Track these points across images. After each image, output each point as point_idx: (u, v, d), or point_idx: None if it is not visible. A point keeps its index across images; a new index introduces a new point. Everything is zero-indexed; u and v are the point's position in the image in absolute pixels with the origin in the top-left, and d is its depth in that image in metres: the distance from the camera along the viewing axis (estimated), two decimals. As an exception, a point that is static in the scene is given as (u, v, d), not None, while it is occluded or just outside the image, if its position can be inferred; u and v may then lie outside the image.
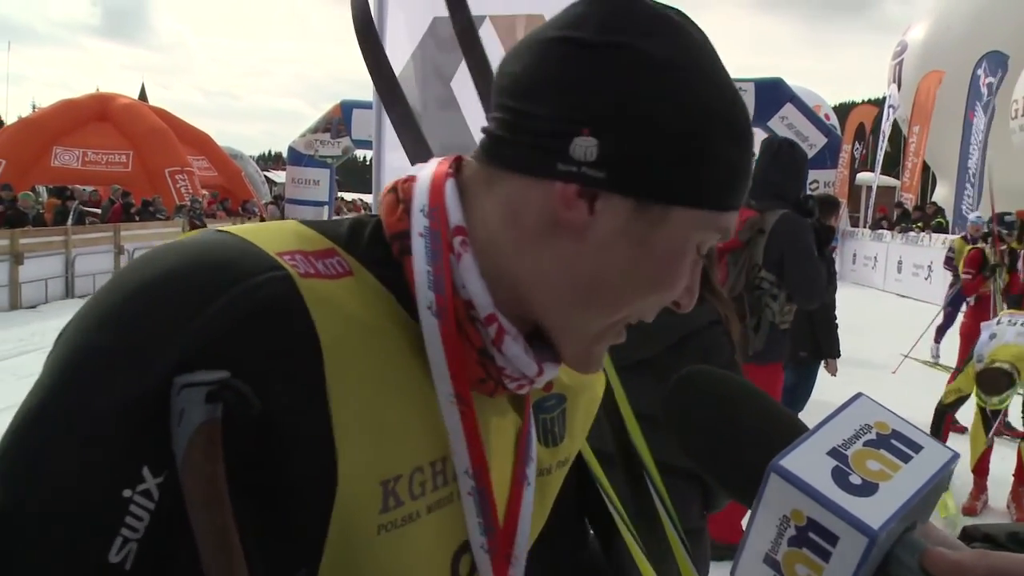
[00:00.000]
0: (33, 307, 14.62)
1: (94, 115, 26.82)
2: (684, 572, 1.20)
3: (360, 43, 1.26)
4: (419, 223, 0.85)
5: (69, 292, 15.97)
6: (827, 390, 6.27)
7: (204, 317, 0.71)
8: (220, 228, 0.82)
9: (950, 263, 11.43)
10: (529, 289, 0.85)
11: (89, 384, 0.69)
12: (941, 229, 20.77)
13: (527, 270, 0.84)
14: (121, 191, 21.64)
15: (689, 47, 0.82)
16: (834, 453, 0.68)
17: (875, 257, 22.61)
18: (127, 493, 0.68)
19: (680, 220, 0.81)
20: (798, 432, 0.72)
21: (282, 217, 23.32)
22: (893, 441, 0.71)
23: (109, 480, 0.68)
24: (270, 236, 0.80)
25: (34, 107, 47.89)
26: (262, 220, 24.28)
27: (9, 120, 40.34)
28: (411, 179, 0.90)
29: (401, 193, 0.89)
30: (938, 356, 11.67)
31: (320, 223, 0.88)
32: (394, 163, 4.29)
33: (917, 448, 0.71)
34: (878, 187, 27.15)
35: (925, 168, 26.27)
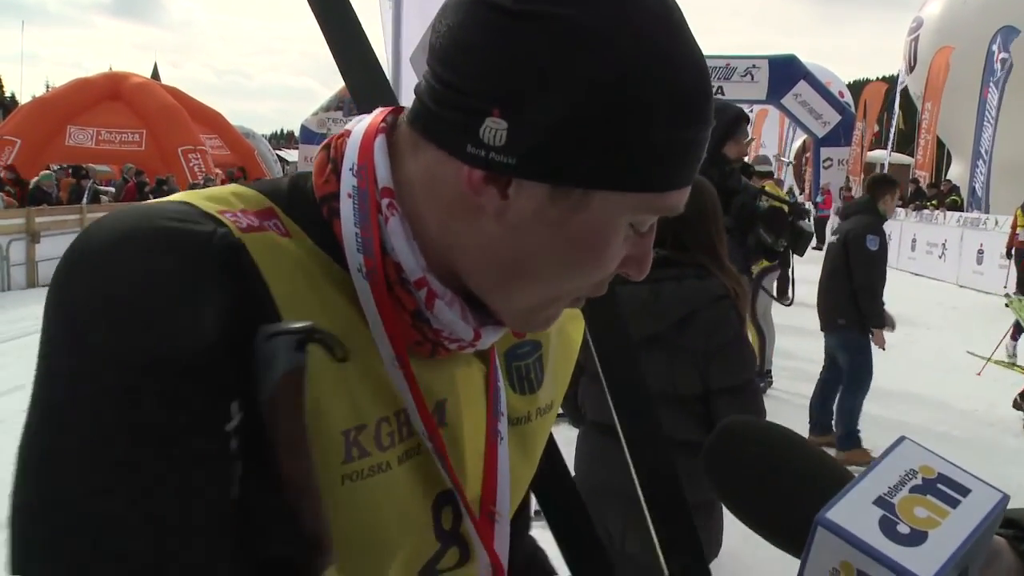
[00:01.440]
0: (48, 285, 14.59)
1: (107, 94, 26.78)
2: None
3: None
4: (348, 182, 0.82)
5: (84, 270, 15.91)
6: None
7: (215, 259, 0.72)
8: (165, 199, 0.80)
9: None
10: (455, 260, 0.83)
11: (163, 328, 0.68)
12: (956, 207, 20.60)
13: (450, 242, 0.82)
14: (134, 170, 21.63)
15: (631, 15, 0.73)
16: (880, 502, 0.67)
17: (889, 235, 22.23)
18: (228, 427, 0.68)
19: (604, 204, 0.76)
20: (844, 481, 0.71)
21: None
22: (940, 486, 0.70)
23: (212, 414, 0.68)
24: (209, 199, 0.79)
25: (48, 87, 47.93)
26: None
27: (24, 100, 40.34)
28: (345, 134, 0.87)
29: (333, 151, 0.86)
30: (1015, 356, 9.82)
31: (261, 182, 0.88)
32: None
33: (965, 492, 0.70)
34: (893, 165, 26.92)
35: (940, 146, 26.05)
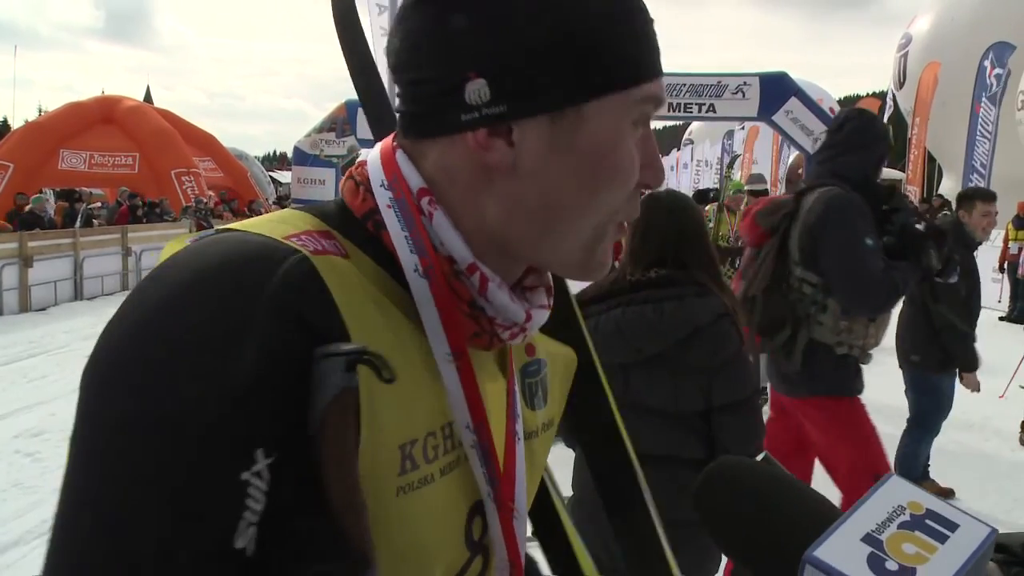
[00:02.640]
0: (43, 309, 14.62)
1: (100, 118, 26.78)
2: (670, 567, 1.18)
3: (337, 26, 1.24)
4: (383, 197, 0.88)
5: (78, 294, 15.97)
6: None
7: (267, 299, 0.72)
8: (222, 227, 0.83)
9: None
10: (501, 234, 0.88)
11: (188, 383, 0.68)
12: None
13: (489, 219, 0.87)
14: (128, 193, 21.67)
15: None
16: (868, 539, 0.68)
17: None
18: (245, 476, 0.68)
19: (598, 112, 0.83)
20: (832, 519, 0.71)
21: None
22: (928, 521, 0.70)
23: (228, 465, 0.68)
24: (281, 225, 0.82)
25: (40, 111, 47.96)
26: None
27: (16, 124, 40.39)
28: (362, 163, 0.93)
29: (358, 177, 0.92)
30: None
31: (312, 208, 0.90)
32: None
33: (953, 527, 0.70)
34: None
35: (931, 160, 26.16)
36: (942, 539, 0.68)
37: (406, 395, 0.82)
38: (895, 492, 0.73)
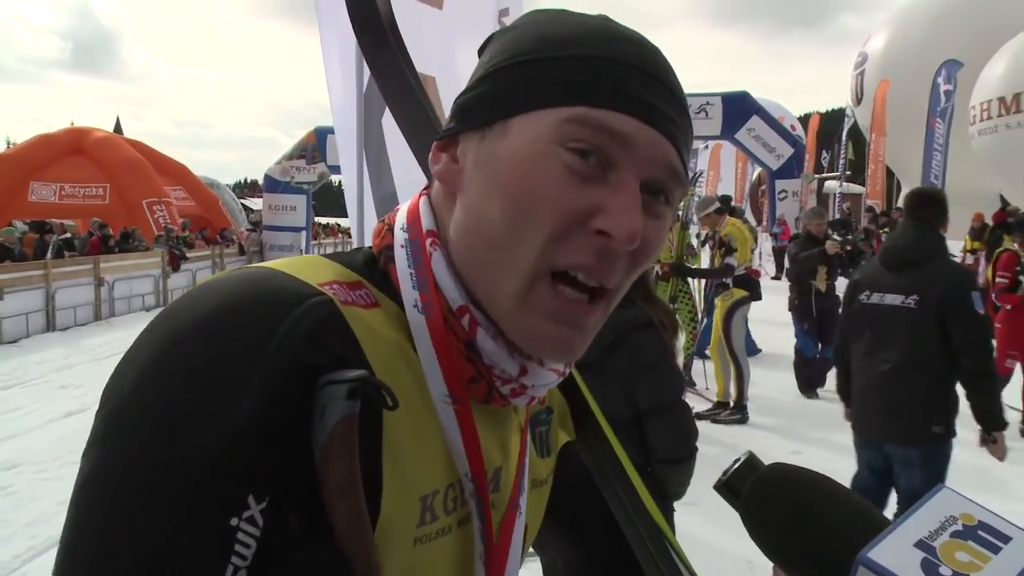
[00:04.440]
0: (14, 342, 14.42)
1: (70, 149, 26.61)
2: None
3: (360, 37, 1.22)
4: (400, 237, 0.89)
5: (50, 326, 15.78)
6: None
7: (276, 344, 0.71)
8: (256, 265, 0.82)
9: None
10: (467, 271, 0.85)
11: (184, 428, 0.68)
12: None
13: (458, 252, 0.86)
14: (99, 223, 21.53)
15: (534, 20, 0.87)
16: (921, 545, 0.67)
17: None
18: (234, 522, 0.67)
19: (520, 127, 0.81)
20: (882, 525, 0.71)
21: (260, 244, 23.31)
22: (981, 532, 0.69)
23: (216, 511, 0.67)
24: (307, 269, 0.81)
25: (8, 143, 47.48)
26: (240, 247, 24.28)
27: (-16, 157, 39.93)
28: (396, 208, 0.95)
29: (388, 220, 0.94)
30: None
31: (339, 256, 0.90)
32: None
33: (1006, 539, 0.69)
34: (848, 194, 27.26)
35: (890, 174, 26.47)
36: (995, 550, 0.67)
37: (430, 445, 0.82)
38: (947, 503, 0.72)
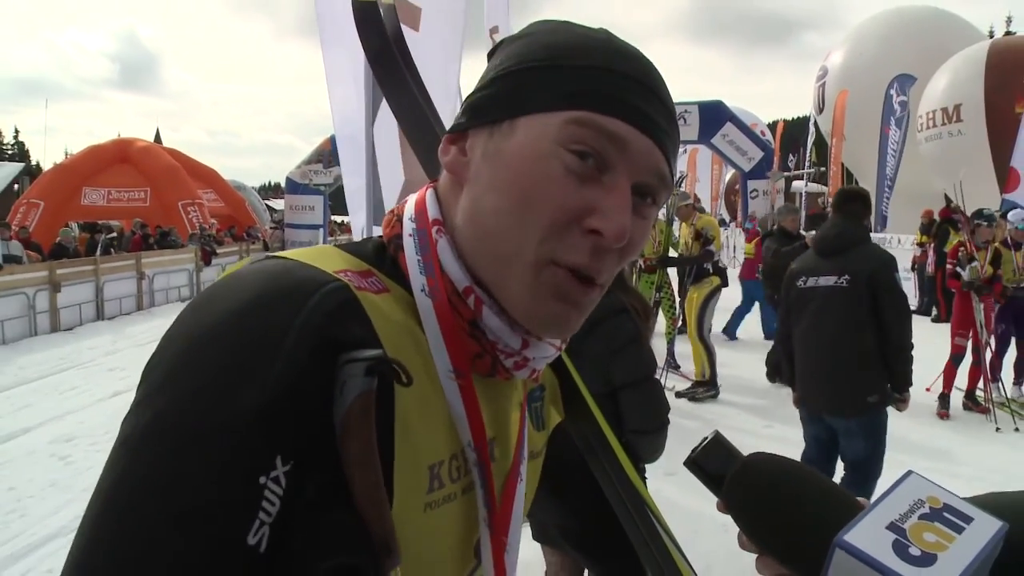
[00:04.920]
0: (70, 329, 14.46)
1: (117, 158, 26.55)
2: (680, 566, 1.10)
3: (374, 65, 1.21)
4: (408, 227, 0.88)
5: (100, 315, 15.79)
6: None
7: (301, 323, 0.71)
8: (273, 255, 0.81)
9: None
10: (473, 256, 0.85)
11: (222, 392, 0.67)
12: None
13: (464, 239, 0.85)
14: (140, 223, 21.55)
15: (542, 30, 0.86)
16: (893, 527, 0.67)
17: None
18: (263, 480, 0.66)
19: (528, 127, 0.80)
20: (856, 510, 0.71)
21: (282, 240, 23.25)
22: (946, 514, 0.69)
23: (248, 468, 0.66)
24: (322, 259, 0.81)
25: (66, 154, 47.50)
26: (265, 244, 24.23)
27: (46, 166, 40.01)
28: (405, 200, 0.93)
29: (397, 211, 0.92)
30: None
31: (350, 246, 0.90)
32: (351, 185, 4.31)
33: (968, 520, 0.69)
34: (812, 193, 27.25)
35: (849, 176, 26.47)
36: (959, 530, 0.67)
37: (435, 418, 0.82)
38: (915, 487, 0.72)
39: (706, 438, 0.86)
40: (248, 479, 0.66)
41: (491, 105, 0.84)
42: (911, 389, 4.61)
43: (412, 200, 0.92)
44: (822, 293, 4.55)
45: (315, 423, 0.69)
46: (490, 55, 0.90)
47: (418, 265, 0.85)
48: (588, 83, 0.80)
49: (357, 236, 4.23)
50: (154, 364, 0.72)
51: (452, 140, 0.87)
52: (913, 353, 4.53)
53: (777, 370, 9.31)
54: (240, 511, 0.65)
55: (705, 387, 8.73)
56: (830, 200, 24.86)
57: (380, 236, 0.93)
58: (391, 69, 1.17)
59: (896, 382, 4.52)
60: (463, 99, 0.89)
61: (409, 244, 0.87)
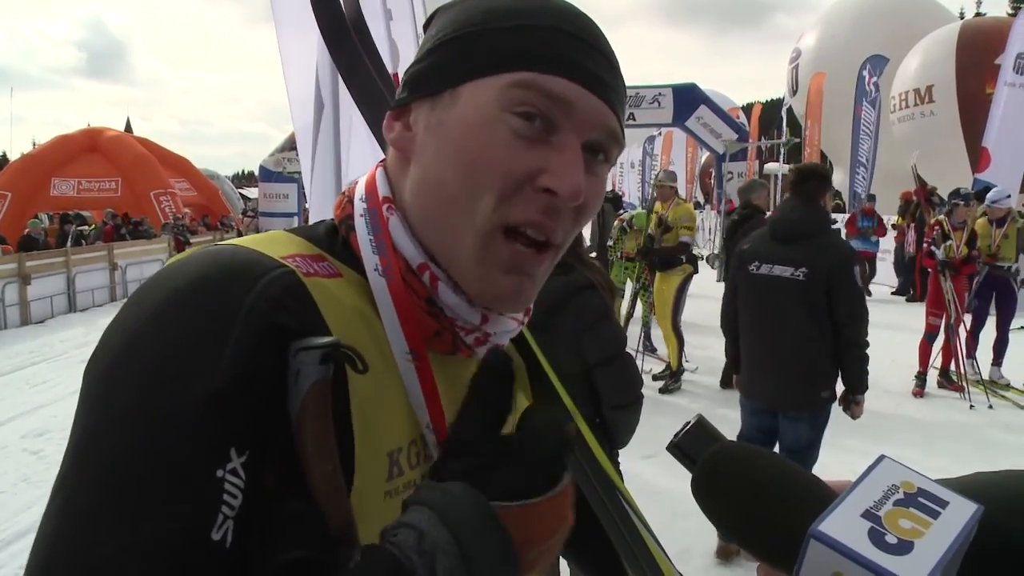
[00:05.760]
0: (41, 322, 14.27)
1: (86, 148, 26.32)
2: (654, 554, 1.09)
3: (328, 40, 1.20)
4: (359, 208, 0.86)
5: (72, 307, 15.61)
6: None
7: (246, 310, 0.69)
8: (225, 242, 0.79)
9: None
10: (424, 231, 0.84)
11: (168, 385, 0.66)
12: (839, 210, 21.05)
13: (413, 213, 0.85)
14: (112, 213, 21.33)
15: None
16: (868, 515, 0.65)
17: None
18: (220, 473, 0.65)
19: (470, 93, 0.80)
20: (829, 498, 0.69)
21: (257, 229, 23.06)
22: (920, 499, 0.68)
23: (203, 462, 0.65)
24: (270, 245, 0.79)
25: (34, 144, 46.82)
26: (239, 232, 24.11)
27: (13, 157, 39.41)
28: (355, 182, 0.92)
29: (348, 193, 0.91)
30: (1004, 377, 8.73)
31: (302, 230, 0.88)
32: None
33: (943, 504, 0.68)
34: (786, 176, 27.26)
35: (823, 158, 26.62)
36: (935, 515, 0.66)
37: (392, 404, 0.80)
38: (888, 472, 0.70)
39: (689, 422, 0.84)
40: (205, 473, 0.65)
41: (431, 76, 0.83)
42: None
43: (363, 180, 0.90)
44: (776, 283, 4.32)
45: (267, 412, 0.68)
46: (426, 25, 0.89)
47: (370, 245, 0.83)
48: (527, 44, 0.79)
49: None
50: (98, 358, 0.71)
51: (396, 116, 0.86)
52: (867, 350, 4.33)
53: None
54: (201, 507, 0.64)
55: (674, 378, 8.59)
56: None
57: (332, 219, 0.91)
58: (348, 52, 1.16)
59: (851, 383, 4.37)
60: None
61: (360, 224, 0.85)
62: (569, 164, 0.79)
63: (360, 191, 0.88)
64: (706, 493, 0.78)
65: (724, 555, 4.65)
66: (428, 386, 0.83)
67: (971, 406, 7.85)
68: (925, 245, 8.79)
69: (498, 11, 0.81)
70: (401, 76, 0.87)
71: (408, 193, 0.85)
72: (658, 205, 8.94)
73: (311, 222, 0.96)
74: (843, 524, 0.64)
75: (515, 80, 0.78)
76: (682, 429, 0.84)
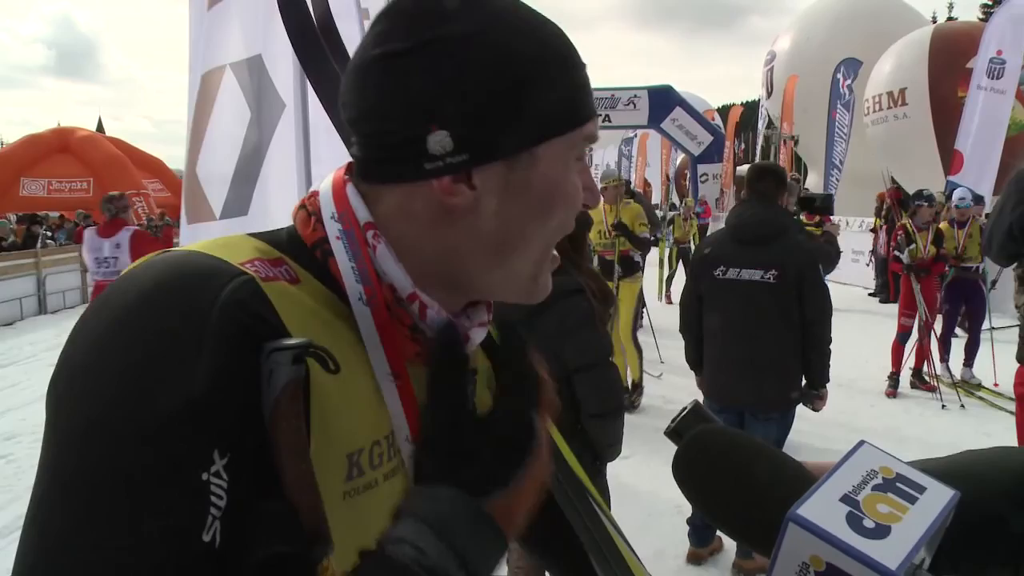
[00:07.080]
0: (9, 324, 14.13)
1: (56, 148, 25.95)
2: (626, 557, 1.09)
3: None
4: (333, 229, 0.85)
5: (42, 309, 15.48)
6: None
7: (216, 313, 0.70)
8: (184, 248, 0.79)
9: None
10: (451, 264, 0.86)
11: (143, 393, 0.66)
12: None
13: (441, 251, 0.85)
14: (83, 214, 21.12)
15: (494, 9, 0.81)
16: (846, 499, 0.66)
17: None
18: (204, 476, 0.66)
19: (548, 152, 0.83)
20: (808, 482, 0.69)
21: (234, 231, 22.84)
22: (899, 484, 0.69)
23: (190, 465, 0.65)
24: (227, 249, 0.79)
25: (1, 144, 46.17)
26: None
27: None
28: (315, 193, 0.89)
29: (310, 207, 0.88)
30: (975, 377, 8.86)
31: (264, 234, 0.87)
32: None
33: (921, 489, 0.69)
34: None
35: (798, 160, 26.81)
36: (912, 500, 0.67)
37: (352, 407, 0.81)
38: (867, 458, 0.71)
39: (685, 408, 0.85)
40: (192, 476, 0.65)
41: (497, 139, 0.80)
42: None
43: (328, 194, 0.87)
44: (746, 287, 4.30)
45: (244, 414, 0.69)
46: (405, 30, 0.80)
47: (353, 273, 0.83)
48: (576, 91, 0.85)
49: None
50: (64, 372, 0.70)
51: (455, 179, 0.80)
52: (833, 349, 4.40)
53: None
54: (192, 509, 0.65)
55: (639, 391, 8.12)
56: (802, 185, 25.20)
57: (293, 226, 0.90)
58: (315, 54, 1.16)
59: (814, 379, 4.40)
60: None
61: (340, 249, 0.84)
62: (591, 182, 0.90)
63: (329, 207, 0.86)
64: (686, 470, 0.79)
65: (696, 559, 4.67)
66: (409, 403, 0.85)
67: (943, 406, 7.95)
68: (891, 249, 8.88)
69: (537, 56, 0.81)
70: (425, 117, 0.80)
71: (453, 244, 0.84)
72: (605, 208, 7.85)
73: (267, 226, 0.94)
74: (821, 508, 0.65)
75: (584, 135, 0.85)
76: (678, 415, 0.85)
